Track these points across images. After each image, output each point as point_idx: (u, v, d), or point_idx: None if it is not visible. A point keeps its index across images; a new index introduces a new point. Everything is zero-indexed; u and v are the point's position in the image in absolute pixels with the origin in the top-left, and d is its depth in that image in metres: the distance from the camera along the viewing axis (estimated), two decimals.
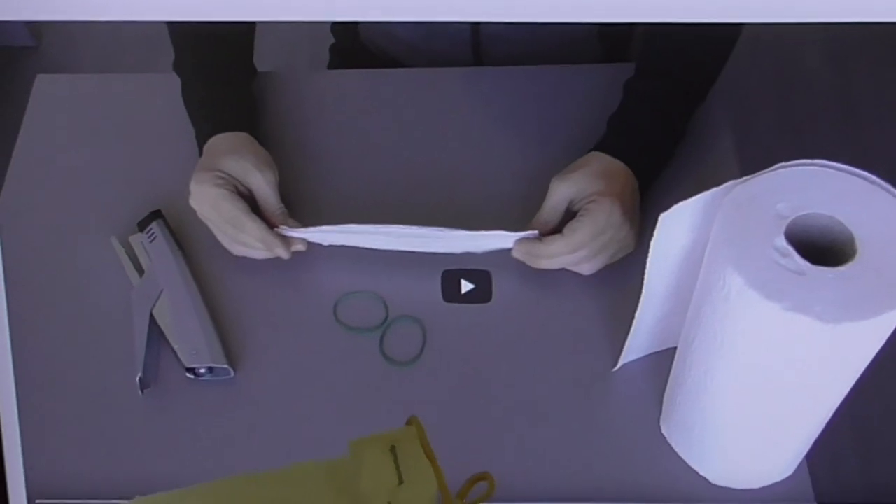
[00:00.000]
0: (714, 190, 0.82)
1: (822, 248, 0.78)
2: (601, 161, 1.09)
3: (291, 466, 0.74)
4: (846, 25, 0.38)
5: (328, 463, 0.74)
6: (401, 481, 0.71)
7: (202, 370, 1.04)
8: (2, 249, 1.04)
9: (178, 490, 0.72)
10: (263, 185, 1.09)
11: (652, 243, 0.87)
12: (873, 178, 0.80)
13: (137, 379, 1.02)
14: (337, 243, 1.11)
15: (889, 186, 0.79)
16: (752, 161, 1.01)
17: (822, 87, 2.50)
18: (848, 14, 0.40)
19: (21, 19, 0.41)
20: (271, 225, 1.08)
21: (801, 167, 0.81)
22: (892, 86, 2.47)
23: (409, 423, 0.75)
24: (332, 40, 1.51)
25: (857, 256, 0.75)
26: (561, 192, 1.06)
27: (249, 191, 1.09)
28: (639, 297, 0.93)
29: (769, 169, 0.81)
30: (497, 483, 0.96)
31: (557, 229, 1.06)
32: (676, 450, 0.99)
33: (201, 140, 1.14)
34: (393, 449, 0.73)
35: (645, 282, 0.91)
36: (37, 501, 0.97)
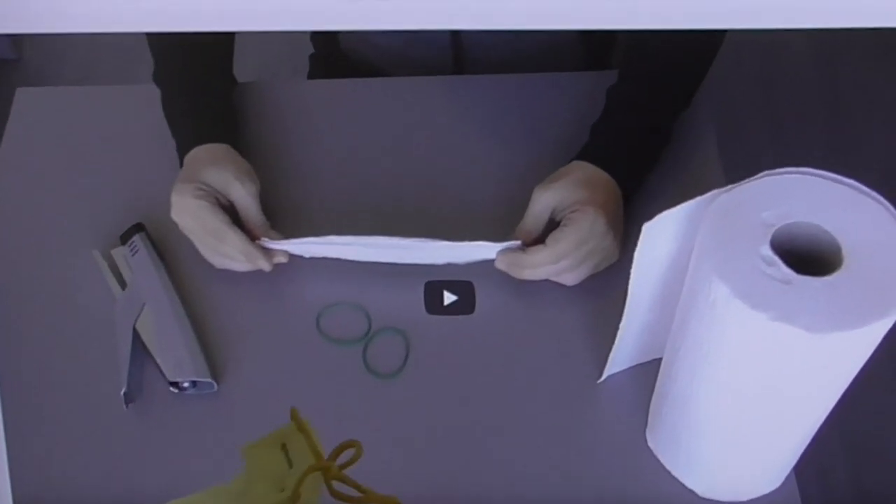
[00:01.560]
0: (698, 199, 0.81)
1: (809, 257, 0.77)
2: (584, 170, 1.08)
3: (198, 495, 0.80)
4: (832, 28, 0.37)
5: (228, 485, 0.80)
6: (290, 466, 0.77)
7: (186, 384, 1.03)
8: None
9: None
10: (244, 196, 1.08)
11: (636, 253, 0.86)
12: (859, 186, 0.79)
13: (122, 393, 1.01)
14: (319, 255, 1.10)
15: (875, 195, 0.79)
16: (738, 167, 1.01)
17: (809, 90, 2.50)
18: (834, 20, 0.40)
19: (2, 32, 0.40)
20: (253, 237, 1.07)
21: (786, 175, 0.80)
22: (879, 88, 2.47)
23: (291, 417, 0.80)
24: (312, 49, 1.50)
25: (844, 265, 0.75)
26: (543, 202, 1.06)
27: (230, 202, 1.09)
28: (623, 307, 0.92)
29: (754, 177, 0.80)
30: (481, 495, 0.96)
31: (540, 239, 1.05)
32: (663, 462, 0.98)
33: (182, 152, 1.13)
34: (284, 446, 0.78)
35: (629, 292, 0.91)
36: None
